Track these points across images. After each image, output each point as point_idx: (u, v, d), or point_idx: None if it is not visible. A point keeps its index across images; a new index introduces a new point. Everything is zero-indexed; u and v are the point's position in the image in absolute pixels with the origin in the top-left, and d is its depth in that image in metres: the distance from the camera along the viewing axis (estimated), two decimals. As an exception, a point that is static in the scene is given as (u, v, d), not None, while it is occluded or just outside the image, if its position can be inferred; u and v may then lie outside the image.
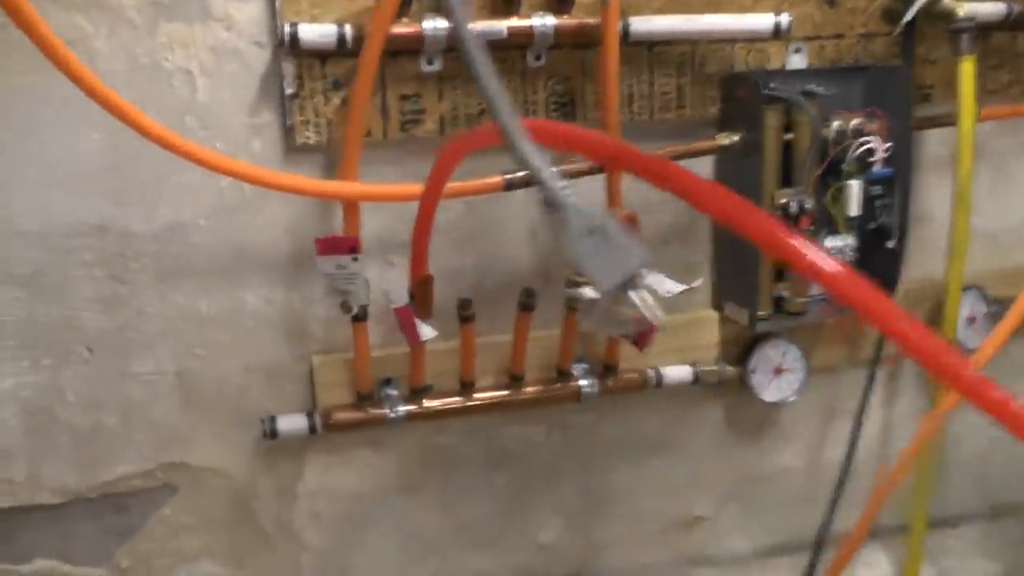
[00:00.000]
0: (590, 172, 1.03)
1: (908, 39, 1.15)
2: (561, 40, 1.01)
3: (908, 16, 1.09)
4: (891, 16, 1.15)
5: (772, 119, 1.07)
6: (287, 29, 0.93)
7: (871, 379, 1.24)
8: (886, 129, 1.11)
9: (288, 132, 0.99)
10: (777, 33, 1.06)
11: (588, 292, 1.04)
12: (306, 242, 1.04)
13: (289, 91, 0.98)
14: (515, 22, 0.99)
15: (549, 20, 1.00)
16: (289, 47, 0.94)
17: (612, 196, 1.05)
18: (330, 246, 0.94)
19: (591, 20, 1.01)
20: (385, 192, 0.99)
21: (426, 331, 0.99)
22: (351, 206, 0.98)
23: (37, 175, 0.96)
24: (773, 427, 1.30)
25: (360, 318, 1.01)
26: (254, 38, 0.97)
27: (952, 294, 1.19)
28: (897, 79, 1.12)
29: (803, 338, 1.22)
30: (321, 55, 0.97)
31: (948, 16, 1.10)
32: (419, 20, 0.96)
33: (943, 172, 1.21)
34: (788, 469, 1.33)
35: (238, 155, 1.00)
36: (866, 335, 1.26)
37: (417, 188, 0.96)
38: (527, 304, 1.05)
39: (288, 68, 0.98)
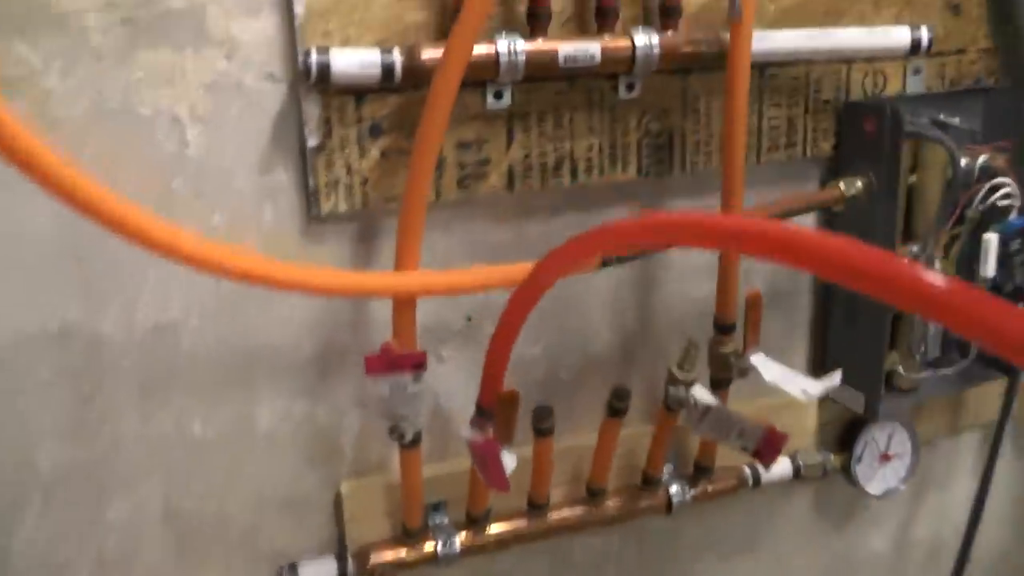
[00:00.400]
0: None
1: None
2: (664, 64, 0.77)
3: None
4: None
5: (908, 159, 0.86)
6: (313, 57, 0.67)
7: (996, 445, 1.04)
8: (1014, 166, 0.91)
9: (311, 196, 0.73)
10: (916, 50, 0.85)
11: (701, 393, 0.81)
12: (333, 338, 0.78)
13: (312, 142, 0.71)
14: (611, 41, 0.75)
15: (654, 38, 0.75)
16: (317, 81, 0.67)
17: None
18: (386, 364, 0.67)
19: (702, 37, 0.78)
20: (453, 284, 0.73)
21: (508, 462, 0.73)
22: (406, 303, 0.71)
23: (-36, 270, 0.67)
24: (864, 510, 1.10)
25: (414, 443, 0.75)
26: (265, 68, 0.70)
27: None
28: (1027, 104, 0.92)
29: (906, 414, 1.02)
30: (357, 91, 0.71)
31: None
32: (490, 39, 0.71)
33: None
34: (878, 553, 1.13)
35: (245, 231, 0.72)
36: (964, 402, 1.07)
37: (496, 273, 0.71)
38: (618, 409, 0.81)
39: (311, 111, 0.71)
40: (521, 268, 0.69)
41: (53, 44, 0.65)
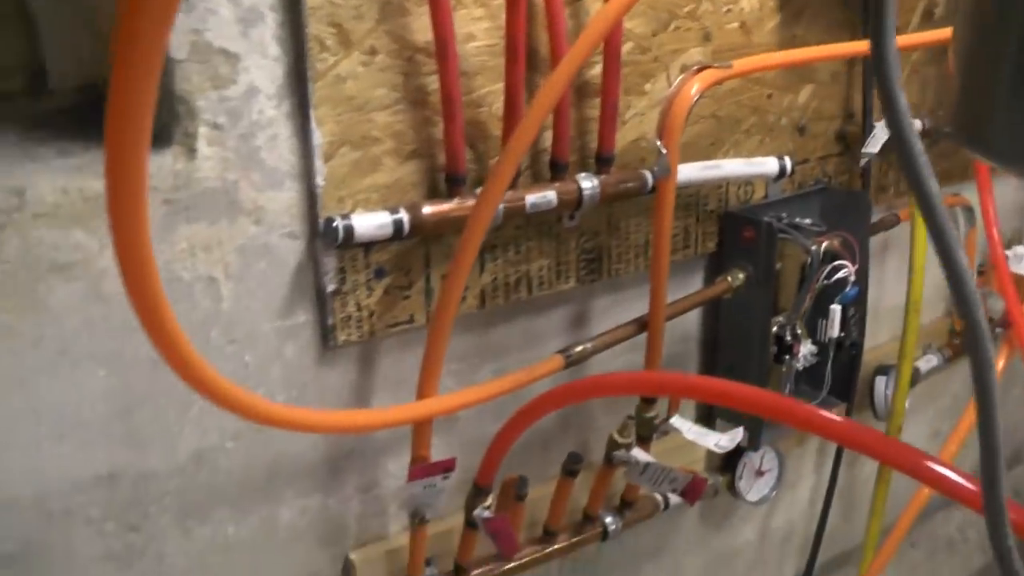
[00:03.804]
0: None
1: (867, 167, 1.12)
2: (602, 201, 0.87)
3: (872, 150, 1.05)
4: (843, 138, 1.12)
5: (777, 255, 1.00)
6: (339, 222, 0.72)
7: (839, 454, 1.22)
8: (851, 249, 1.08)
9: (328, 332, 0.78)
10: (782, 174, 0.99)
11: (639, 454, 0.92)
12: (341, 440, 0.84)
13: (331, 288, 0.77)
14: (563, 188, 0.84)
15: (595, 182, 0.85)
16: (343, 241, 0.73)
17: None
18: (426, 471, 0.75)
19: (629, 177, 0.88)
20: (462, 401, 0.81)
21: (505, 531, 0.83)
22: (424, 424, 0.79)
23: (29, 431, 0.68)
24: (736, 511, 1.26)
25: (424, 521, 0.83)
26: (286, 229, 0.75)
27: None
28: (858, 202, 1.09)
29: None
30: (366, 244, 0.77)
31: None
32: (469, 197, 0.79)
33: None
34: (747, 542, 1.30)
35: (271, 366, 0.77)
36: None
37: (494, 387, 0.80)
38: (573, 470, 0.91)
39: (329, 263, 0.76)
40: (510, 379, 0.79)
41: (106, 227, 0.68)
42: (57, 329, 0.67)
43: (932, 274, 1.20)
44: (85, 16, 0.78)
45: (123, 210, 0.40)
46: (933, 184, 0.43)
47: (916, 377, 1.30)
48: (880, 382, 1.30)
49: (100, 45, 0.78)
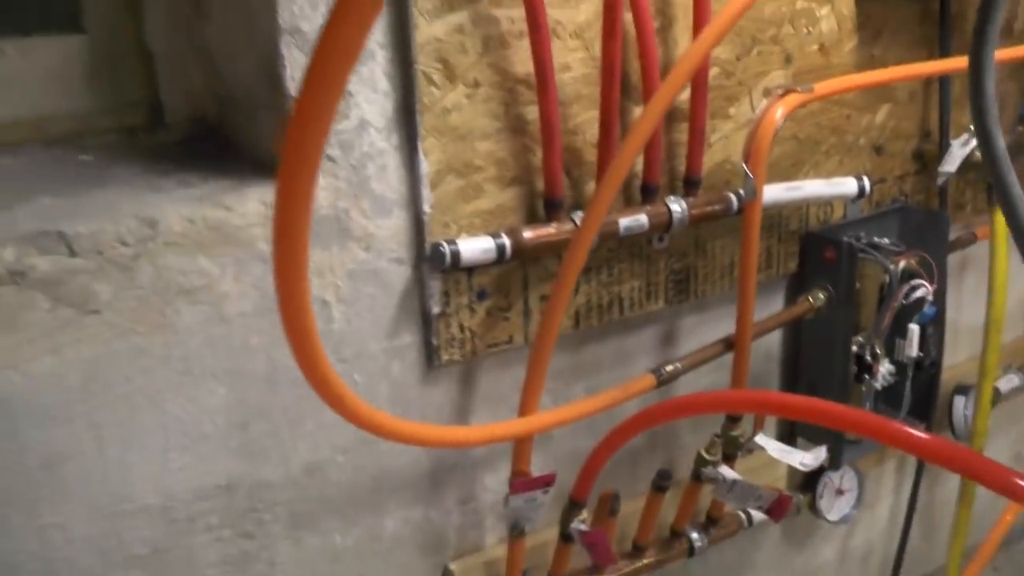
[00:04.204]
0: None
1: (944, 186, 1.12)
2: (690, 224, 0.89)
3: (949, 169, 1.06)
4: (921, 157, 1.13)
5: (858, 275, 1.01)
6: (446, 248, 0.76)
7: (919, 473, 1.22)
8: (929, 268, 1.08)
9: (433, 352, 0.81)
10: (861, 194, 1.00)
11: (726, 472, 0.94)
12: (444, 454, 0.87)
13: (436, 310, 0.80)
14: (654, 212, 0.86)
15: (684, 205, 0.87)
16: (450, 265, 0.76)
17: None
18: (527, 485, 0.78)
19: (715, 200, 0.90)
20: (561, 418, 0.83)
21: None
22: (526, 439, 0.82)
23: (158, 444, 0.72)
24: (817, 531, 1.26)
25: (523, 533, 0.85)
26: (394, 255, 0.78)
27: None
28: (936, 221, 1.09)
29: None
30: (469, 268, 0.80)
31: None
32: (566, 221, 0.82)
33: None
34: (827, 562, 1.29)
35: (378, 384, 0.81)
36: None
37: (591, 405, 0.82)
38: (663, 487, 0.93)
39: (434, 286, 0.79)
40: (605, 397, 0.81)
41: (228, 254, 0.72)
42: (182, 349, 0.71)
43: (1014, 292, 1.19)
44: (197, 54, 0.82)
45: (289, 243, 0.43)
46: (1018, 191, 0.44)
47: (997, 397, 1.29)
48: (959, 402, 1.29)
49: (209, 80, 0.83)
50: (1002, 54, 1.05)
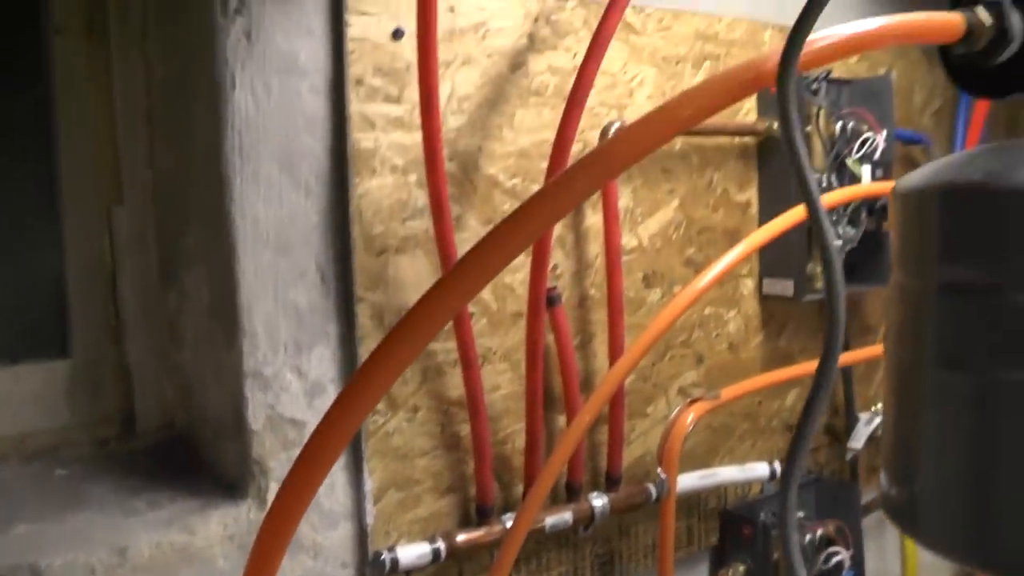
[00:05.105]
0: None
1: (854, 460, 1.23)
2: (612, 514, 0.98)
3: (856, 445, 1.16)
4: (831, 431, 1.24)
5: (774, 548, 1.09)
6: (386, 555, 0.83)
7: None
8: (844, 536, 1.16)
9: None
10: (773, 476, 1.10)
11: None
12: None
13: (376, 612, 0.87)
14: (578, 508, 0.95)
15: (605, 499, 0.96)
16: (389, 571, 0.83)
17: None
18: None
19: (635, 492, 0.99)
20: None
21: None
22: None
23: None
24: None
25: None
26: (339, 560, 0.86)
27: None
28: (848, 493, 1.18)
29: None
30: (408, 570, 0.88)
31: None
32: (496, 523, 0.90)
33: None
34: None
35: None
36: None
37: None
38: None
39: (375, 591, 0.87)
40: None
41: (190, 574, 0.79)
42: None
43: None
44: (172, 372, 0.92)
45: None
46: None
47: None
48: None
49: (180, 395, 0.92)
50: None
